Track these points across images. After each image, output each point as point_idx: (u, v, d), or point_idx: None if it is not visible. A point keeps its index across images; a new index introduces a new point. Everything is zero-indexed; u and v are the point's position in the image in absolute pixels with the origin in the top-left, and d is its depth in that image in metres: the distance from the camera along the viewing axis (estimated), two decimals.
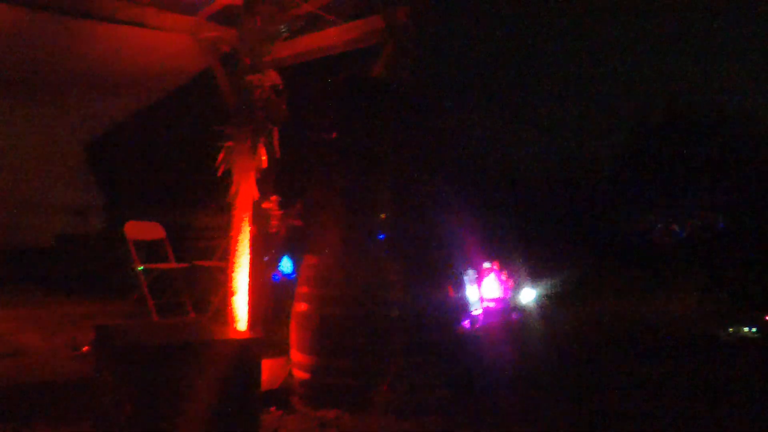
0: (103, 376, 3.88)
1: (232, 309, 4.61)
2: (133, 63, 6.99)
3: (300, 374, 4.71)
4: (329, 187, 5.11)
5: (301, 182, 5.54)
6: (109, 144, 9.58)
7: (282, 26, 5.17)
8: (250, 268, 4.66)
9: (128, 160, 9.75)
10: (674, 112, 21.61)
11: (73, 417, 3.98)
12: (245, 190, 4.65)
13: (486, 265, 6.95)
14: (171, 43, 6.38)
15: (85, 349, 5.16)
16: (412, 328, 4.93)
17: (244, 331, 4.54)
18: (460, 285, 6.39)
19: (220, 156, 4.69)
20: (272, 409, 4.42)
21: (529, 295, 7.30)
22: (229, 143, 4.67)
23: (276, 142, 4.77)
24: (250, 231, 4.68)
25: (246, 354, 3.87)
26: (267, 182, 4.96)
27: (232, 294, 4.61)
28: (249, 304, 4.68)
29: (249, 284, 4.66)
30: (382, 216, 5.06)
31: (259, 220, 4.93)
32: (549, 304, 7.65)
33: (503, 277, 6.99)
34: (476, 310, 6.59)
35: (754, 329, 7.69)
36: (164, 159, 9.70)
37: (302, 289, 4.83)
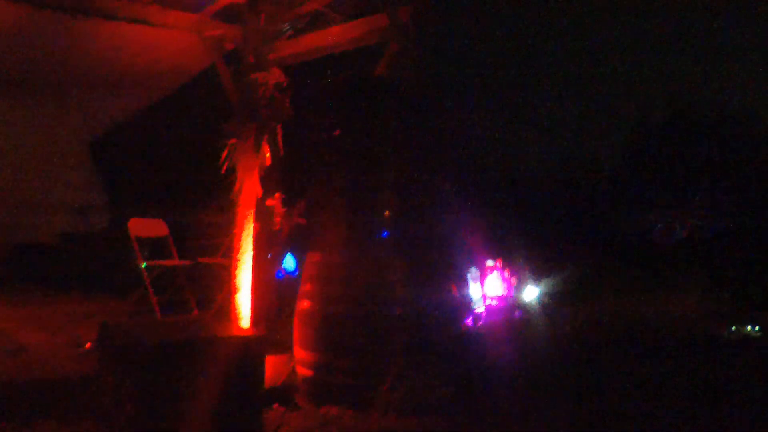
0: (105, 374, 3.89)
1: (235, 306, 4.62)
2: (136, 61, 7.00)
3: (303, 371, 4.72)
4: (332, 185, 5.12)
5: (304, 180, 5.55)
6: (112, 142, 9.60)
7: (285, 24, 5.19)
8: (253, 266, 4.67)
9: (131, 158, 9.76)
10: (675, 111, 21.60)
11: (76, 415, 3.97)
12: (249, 187, 4.66)
13: (489, 262, 6.95)
14: (174, 41, 6.39)
15: (87, 346, 5.17)
16: (414, 326, 4.93)
17: (248, 329, 4.55)
18: (462, 282, 6.39)
19: (224, 153, 4.70)
20: (275, 406, 4.43)
21: (531, 293, 7.30)
22: (233, 141, 4.68)
23: (279, 140, 4.78)
24: (254, 228, 4.70)
25: (249, 351, 3.89)
26: (270, 180, 4.97)
27: (236, 291, 4.62)
28: (252, 301, 4.69)
29: (252, 281, 4.67)
30: (386, 214, 5.07)
31: (263, 217, 4.93)
32: (551, 303, 7.64)
33: (506, 275, 7.00)
34: (479, 308, 6.59)
35: (757, 328, 7.70)
36: (167, 157, 9.70)
37: (305, 287, 4.84)
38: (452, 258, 6.40)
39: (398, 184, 5.16)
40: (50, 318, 6.38)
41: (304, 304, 4.79)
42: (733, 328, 7.81)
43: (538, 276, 7.70)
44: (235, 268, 4.63)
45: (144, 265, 6.35)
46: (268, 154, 4.73)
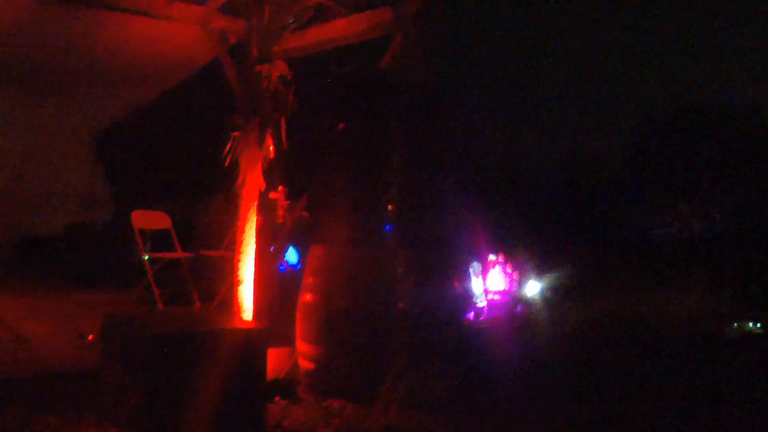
0: (108, 366, 3.90)
1: (238, 299, 4.62)
2: (140, 54, 6.99)
3: (305, 364, 4.73)
4: (335, 179, 5.12)
5: (308, 173, 5.55)
6: (116, 135, 9.62)
7: (290, 17, 5.17)
8: (256, 259, 4.68)
9: (135, 151, 9.78)
10: (677, 110, 21.53)
11: (78, 407, 3.98)
12: (252, 180, 4.66)
13: (491, 257, 6.95)
14: (178, 34, 6.37)
15: (90, 338, 5.19)
16: (417, 321, 4.93)
17: (250, 321, 4.56)
18: (465, 277, 6.39)
19: (228, 147, 4.70)
20: (277, 398, 4.43)
21: (533, 289, 7.30)
22: (236, 134, 4.67)
23: (283, 133, 4.78)
24: (257, 221, 4.70)
25: (252, 344, 3.89)
26: (274, 173, 4.97)
27: (238, 284, 4.62)
28: (255, 294, 4.69)
29: (255, 274, 4.68)
30: (389, 208, 5.07)
31: (266, 210, 4.93)
32: (553, 298, 7.64)
33: (508, 270, 7.00)
34: (481, 303, 6.59)
35: (758, 325, 7.68)
36: (171, 150, 9.72)
37: (308, 280, 4.84)
38: (455, 253, 6.41)
39: (402, 179, 5.16)
40: (53, 310, 6.40)
41: (306, 298, 4.80)
42: (735, 325, 7.80)
43: (541, 271, 7.70)
44: (238, 261, 4.63)
45: (147, 257, 6.36)
46: (271, 148, 4.72)
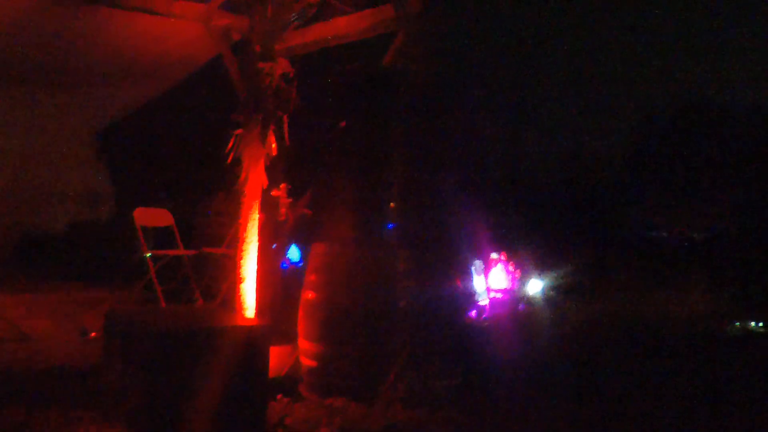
0: (110, 362, 3.90)
1: (240, 296, 4.61)
2: (143, 51, 6.99)
3: (307, 362, 4.72)
4: (336, 177, 5.11)
5: (310, 171, 5.55)
6: (118, 132, 9.63)
7: (293, 15, 5.17)
8: (258, 256, 4.67)
9: (138, 148, 9.79)
10: (678, 110, 21.54)
11: (80, 403, 3.98)
12: (254, 177, 4.65)
13: (493, 255, 6.95)
14: (181, 31, 6.37)
15: (93, 334, 5.20)
16: (417, 319, 4.93)
17: (252, 318, 4.55)
18: (467, 275, 6.39)
19: (230, 144, 4.69)
20: (279, 396, 4.42)
21: (536, 287, 7.30)
22: (239, 131, 4.67)
23: (286, 130, 4.77)
24: (259, 219, 4.69)
25: (254, 341, 3.88)
26: (276, 170, 4.96)
27: (241, 281, 4.62)
28: (257, 291, 4.68)
29: (257, 272, 4.67)
30: (391, 206, 5.07)
31: (268, 208, 4.93)
32: (555, 297, 7.65)
33: (510, 268, 6.99)
34: (483, 301, 6.59)
35: (761, 324, 7.68)
36: (174, 147, 9.73)
37: (310, 278, 4.83)
38: (456, 252, 6.40)
39: (402, 178, 5.16)
40: (56, 306, 6.42)
41: (308, 295, 4.79)
42: (737, 324, 7.79)
43: (543, 269, 7.70)
44: (240, 258, 4.62)
45: (149, 254, 6.36)
46: (274, 145, 4.71)
